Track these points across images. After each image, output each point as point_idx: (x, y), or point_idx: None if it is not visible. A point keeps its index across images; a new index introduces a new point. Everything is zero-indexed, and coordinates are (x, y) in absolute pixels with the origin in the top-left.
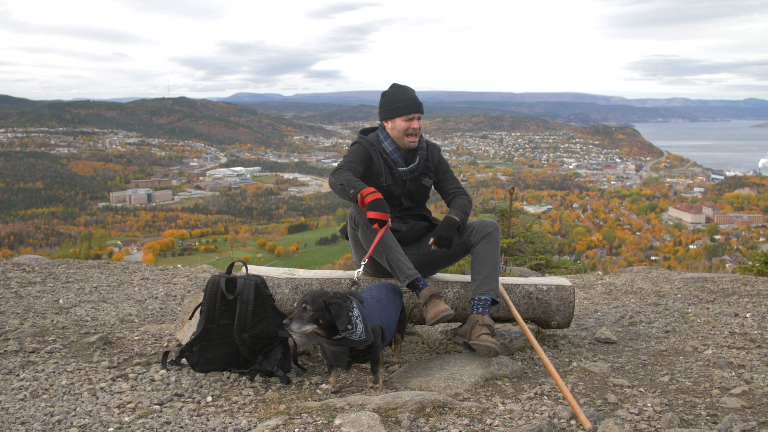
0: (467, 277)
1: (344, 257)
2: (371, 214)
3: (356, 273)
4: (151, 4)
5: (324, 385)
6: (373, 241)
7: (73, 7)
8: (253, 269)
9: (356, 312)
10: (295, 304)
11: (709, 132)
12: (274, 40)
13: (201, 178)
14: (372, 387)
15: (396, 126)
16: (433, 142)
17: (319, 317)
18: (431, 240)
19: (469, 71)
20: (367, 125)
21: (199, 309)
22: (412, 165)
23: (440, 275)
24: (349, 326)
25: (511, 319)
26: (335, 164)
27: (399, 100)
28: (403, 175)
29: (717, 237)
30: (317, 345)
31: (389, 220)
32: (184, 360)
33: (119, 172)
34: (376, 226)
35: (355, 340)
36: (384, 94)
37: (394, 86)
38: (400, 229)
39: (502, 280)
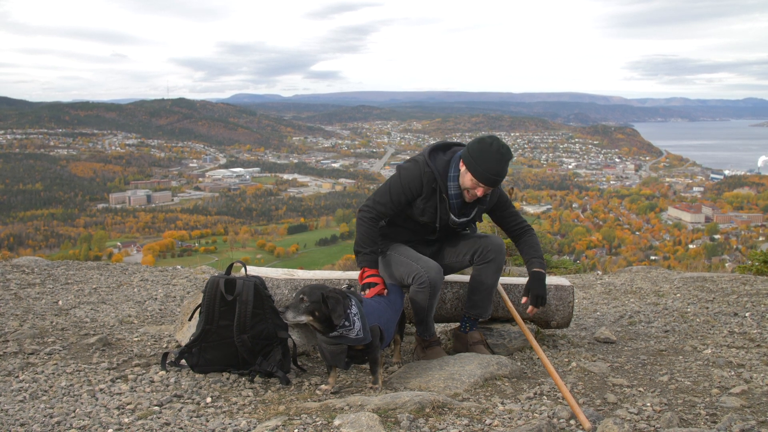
0: (467, 278)
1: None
2: (366, 294)
3: (356, 274)
4: (151, 5)
5: (323, 386)
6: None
7: (72, 8)
8: (253, 270)
9: (354, 310)
10: (293, 296)
11: (708, 131)
12: (273, 40)
13: (200, 179)
14: (371, 387)
15: (466, 179)
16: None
17: (315, 309)
18: (524, 299)
19: (469, 71)
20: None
21: (199, 310)
22: (464, 219)
23: None
24: (346, 323)
25: (510, 319)
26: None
27: (483, 163)
28: (451, 224)
29: (716, 236)
30: (316, 345)
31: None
32: (183, 361)
33: (118, 174)
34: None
35: (352, 338)
36: (482, 140)
37: (495, 145)
38: (431, 244)
39: (502, 280)
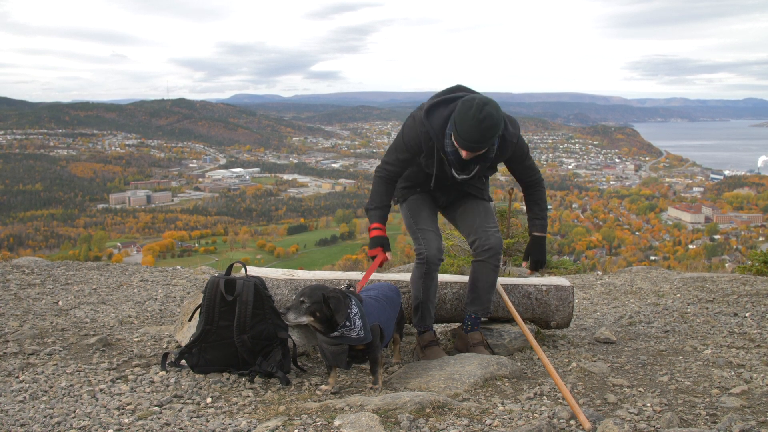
0: (466, 278)
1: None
2: (370, 252)
3: (356, 274)
4: (150, 5)
5: (323, 386)
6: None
7: (72, 8)
8: (253, 270)
9: (355, 309)
10: (293, 297)
11: (708, 132)
12: (273, 41)
13: (200, 179)
14: (371, 388)
15: (453, 140)
16: (512, 129)
17: (316, 310)
18: (524, 263)
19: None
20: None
21: (199, 310)
22: (464, 176)
23: (440, 276)
24: (347, 323)
25: (510, 320)
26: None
27: (461, 128)
28: (455, 180)
29: (716, 237)
30: (316, 346)
31: (386, 255)
32: (183, 361)
33: (118, 174)
34: (373, 255)
35: (353, 338)
36: (466, 101)
37: (474, 110)
38: (441, 202)
39: (502, 280)
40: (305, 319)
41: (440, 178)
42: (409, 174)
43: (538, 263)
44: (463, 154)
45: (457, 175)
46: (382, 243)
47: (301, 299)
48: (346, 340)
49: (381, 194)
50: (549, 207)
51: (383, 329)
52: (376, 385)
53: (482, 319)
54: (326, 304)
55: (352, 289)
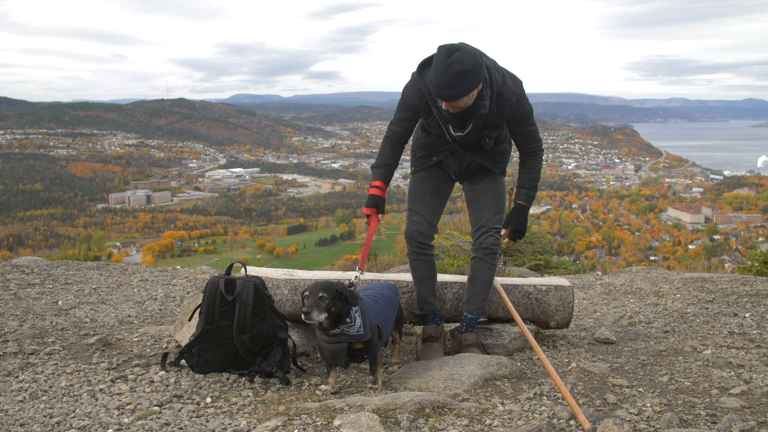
0: (466, 278)
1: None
2: (365, 209)
3: (354, 275)
4: (150, 5)
5: (323, 386)
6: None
7: (72, 8)
8: (252, 270)
9: (355, 307)
10: (306, 293)
11: (708, 132)
12: (273, 41)
13: (200, 179)
14: (371, 388)
15: None
16: (511, 87)
17: (332, 306)
18: (503, 231)
19: None
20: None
21: (198, 310)
22: (459, 133)
23: (440, 276)
24: (347, 319)
25: (510, 320)
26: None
27: (432, 76)
28: (455, 137)
29: (716, 237)
30: (316, 346)
31: (378, 217)
32: (183, 361)
33: (118, 174)
34: (367, 214)
35: (353, 335)
36: (439, 48)
37: (443, 55)
38: (452, 170)
39: (501, 280)
40: (323, 317)
41: (442, 139)
42: (424, 142)
43: (516, 232)
44: (443, 105)
45: (454, 133)
46: (376, 203)
47: (320, 295)
48: (345, 338)
49: (386, 154)
50: (549, 207)
51: (381, 328)
52: (375, 385)
53: (479, 320)
54: (339, 300)
55: (352, 288)
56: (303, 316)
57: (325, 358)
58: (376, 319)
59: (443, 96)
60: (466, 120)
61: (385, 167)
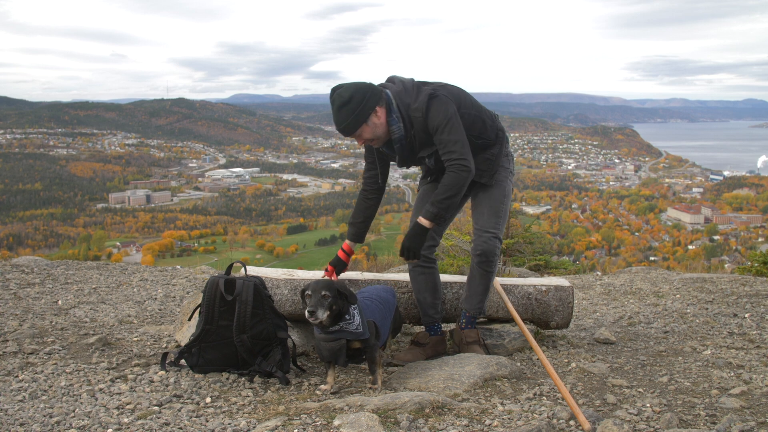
0: (465, 278)
1: None
2: (328, 266)
3: (354, 275)
4: (150, 5)
5: (323, 386)
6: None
7: (72, 8)
8: (252, 270)
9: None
10: (308, 292)
11: (708, 132)
12: (273, 41)
13: (200, 179)
14: (371, 388)
15: None
16: (417, 104)
17: (333, 304)
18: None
19: (468, 72)
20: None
21: (198, 310)
22: (404, 167)
23: (440, 276)
24: (347, 317)
25: (510, 320)
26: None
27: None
28: (417, 161)
29: (716, 237)
30: (314, 345)
31: (334, 276)
32: (183, 361)
33: (118, 174)
34: (325, 272)
35: (351, 332)
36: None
37: (333, 93)
38: (429, 170)
39: (501, 280)
40: (326, 315)
41: (407, 161)
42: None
43: (406, 249)
44: (356, 141)
45: (398, 165)
46: (336, 265)
47: (323, 293)
48: (344, 335)
49: (357, 211)
50: (548, 207)
51: (378, 327)
52: (375, 385)
53: (477, 319)
54: (340, 297)
55: (351, 288)
56: (307, 314)
57: (323, 357)
58: (373, 317)
59: (339, 131)
60: (391, 148)
61: (355, 225)
